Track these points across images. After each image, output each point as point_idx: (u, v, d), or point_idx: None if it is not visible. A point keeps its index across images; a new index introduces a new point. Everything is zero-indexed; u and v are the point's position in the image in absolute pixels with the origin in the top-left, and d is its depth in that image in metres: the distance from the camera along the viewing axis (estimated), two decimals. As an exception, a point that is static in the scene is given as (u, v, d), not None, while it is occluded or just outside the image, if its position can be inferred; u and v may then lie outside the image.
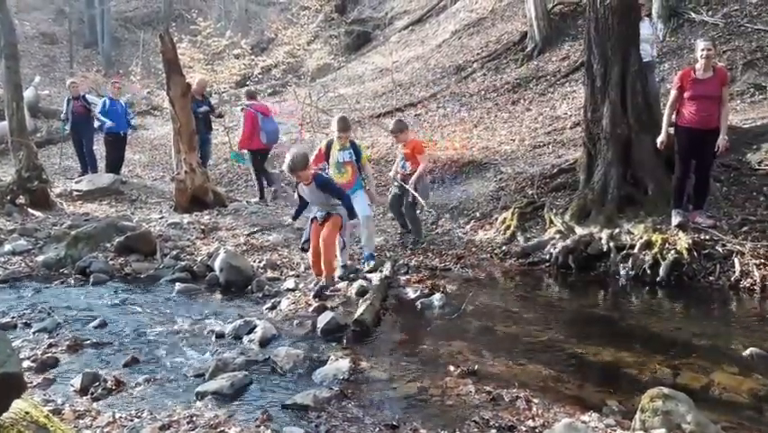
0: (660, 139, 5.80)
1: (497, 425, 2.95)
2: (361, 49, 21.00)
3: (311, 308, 4.75)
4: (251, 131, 8.90)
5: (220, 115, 11.04)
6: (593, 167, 6.55)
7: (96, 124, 10.56)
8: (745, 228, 5.58)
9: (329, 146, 5.77)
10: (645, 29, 7.44)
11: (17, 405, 2.18)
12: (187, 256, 6.28)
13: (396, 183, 6.71)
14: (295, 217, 5.55)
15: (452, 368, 3.62)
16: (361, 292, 4.99)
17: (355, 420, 3.02)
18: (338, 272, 5.39)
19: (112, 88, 11.01)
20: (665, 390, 2.81)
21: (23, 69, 12.03)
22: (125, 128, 10.76)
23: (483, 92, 12.57)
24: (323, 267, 5.07)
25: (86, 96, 11.16)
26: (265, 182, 9.31)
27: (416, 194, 6.34)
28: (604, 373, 3.65)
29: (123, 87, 11.53)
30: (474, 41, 15.56)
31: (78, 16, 26.07)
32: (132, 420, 3.00)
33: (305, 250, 5.27)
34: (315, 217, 5.13)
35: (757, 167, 6.47)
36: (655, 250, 5.47)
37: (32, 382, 3.39)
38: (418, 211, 6.91)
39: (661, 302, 5.04)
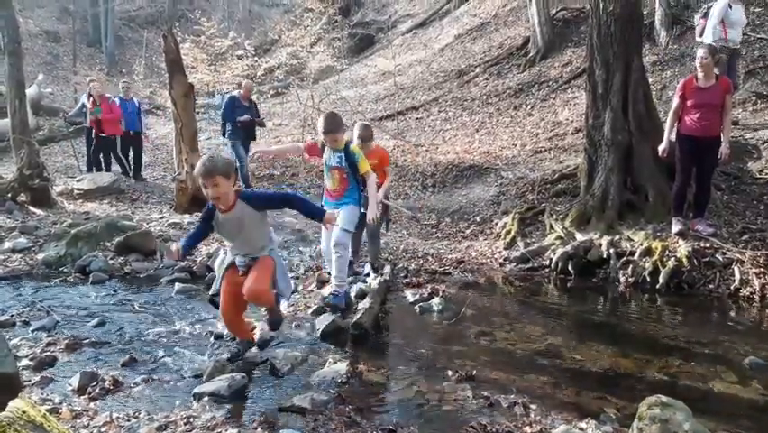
0: (662, 147, 5.80)
1: (494, 430, 2.95)
2: (364, 51, 21.04)
3: (310, 311, 4.75)
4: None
5: (262, 124, 10.35)
6: (594, 173, 6.56)
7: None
8: (745, 237, 5.59)
9: (323, 146, 4.77)
10: (742, 13, 7.46)
11: (14, 404, 2.17)
12: (187, 256, 6.28)
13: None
14: (184, 254, 3.70)
15: (450, 373, 3.62)
16: (361, 295, 5.00)
17: (352, 424, 3.02)
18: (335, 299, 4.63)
19: (121, 89, 11.11)
20: (663, 397, 2.81)
21: (27, 67, 12.06)
22: (134, 127, 10.81)
23: (485, 97, 12.59)
24: (268, 323, 3.85)
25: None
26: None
27: (401, 207, 6.08)
28: (602, 380, 3.64)
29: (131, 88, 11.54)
30: (477, 45, 15.59)
31: (83, 15, 26.11)
32: (129, 420, 2.99)
33: (214, 304, 3.78)
34: (234, 264, 3.61)
35: (758, 175, 6.48)
36: (655, 257, 5.47)
37: (29, 381, 3.39)
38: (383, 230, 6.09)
39: (660, 310, 5.03)
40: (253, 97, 10.29)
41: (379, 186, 5.22)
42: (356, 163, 4.62)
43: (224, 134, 9.69)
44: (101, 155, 10.67)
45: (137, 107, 10.90)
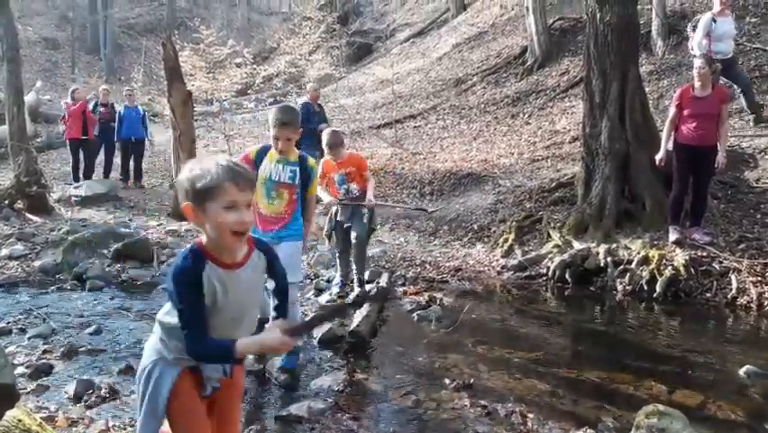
0: (659, 156, 5.82)
1: (491, 439, 2.94)
2: (363, 60, 21.12)
3: (306, 319, 4.73)
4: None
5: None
6: (591, 182, 6.58)
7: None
8: (742, 245, 5.60)
9: (263, 152, 3.70)
10: (729, 24, 7.55)
11: (10, 412, 2.17)
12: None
13: (338, 210, 5.20)
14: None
15: (447, 381, 3.61)
16: (359, 303, 4.99)
17: (350, 432, 3.01)
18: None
19: (126, 96, 11.21)
20: (660, 407, 2.81)
21: (25, 74, 12.09)
22: (137, 134, 10.84)
23: (483, 105, 12.63)
24: None
25: (114, 103, 11.32)
26: None
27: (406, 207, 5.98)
28: (599, 389, 3.64)
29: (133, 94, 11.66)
30: (475, 54, 15.66)
31: (81, 22, 26.21)
32: (125, 429, 2.98)
33: None
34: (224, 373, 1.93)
35: (754, 184, 6.50)
36: (652, 266, 5.48)
37: (25, 389, 3.37)
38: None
39: (657, 318, 5.03)
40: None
41: (363, 192, 5.04)
42: (311, 181, 3.69)
43: (297, 146, 9.33)
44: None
45: (141, 115, 10.93)
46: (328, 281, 5.70)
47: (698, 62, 5.67)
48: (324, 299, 5.20)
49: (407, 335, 4.63)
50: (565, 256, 5.91)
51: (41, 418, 2.73)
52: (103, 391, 3.37)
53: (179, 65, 8.82)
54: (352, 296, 5.17)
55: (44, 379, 3.58)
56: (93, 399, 3.29)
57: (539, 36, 13.20)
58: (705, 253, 5.53)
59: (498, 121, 11.68)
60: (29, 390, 3.38)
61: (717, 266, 5.39)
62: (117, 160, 11.31)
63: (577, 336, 4.75)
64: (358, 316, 4.55)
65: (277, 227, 3.58)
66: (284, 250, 3.36)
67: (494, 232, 7.08)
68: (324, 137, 5.00)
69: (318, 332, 4.35)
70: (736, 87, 7.55)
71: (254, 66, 15.75)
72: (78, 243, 6.34)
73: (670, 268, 5.40)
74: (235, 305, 1.81)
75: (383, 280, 5.63)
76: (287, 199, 3.61)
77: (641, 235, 5.98)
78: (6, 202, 8.37)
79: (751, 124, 7.69)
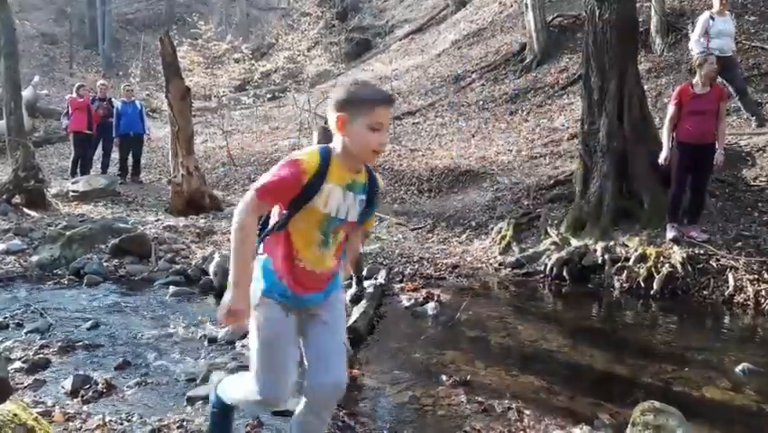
0: (663, 156, 5.78)
1: (488, 436, 2.95)
2: (361, 56, 21.06)
3: (305, 315, 4.74)
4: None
5: None
6: (589, 179, 6.58)
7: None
8: (739, 243, 5.60)
9: (324, 164, 2.01)
10: (728, 23, 7.60)
11: (5, 407, 2.17)
12: (182, 259, 6.27)
13: None
14: None
15: (444, 377, 3.62)
16: (355, 300, 4.99)
17: (346, 428, 3.01)
18: None
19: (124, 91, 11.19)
20: (657, 403, 2.82)
21: (23, 69, 12.06)
22: (135, 129, 10.84)
23: (481, 102, 12.62)
24: None
25: (112, 99, 11.31)
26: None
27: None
28: (596, 386, 3.65)
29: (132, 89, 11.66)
30: (474, 51, 15.62)
31: (80, 17, 26.08)
32: (122, 424, 2.98)
33: None
34: None
35: (752, 183, 6.51)
36: (650, 263, 5.49)
37: (22, 384, 3.37)
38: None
39: (654, 315, 5.04)
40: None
41: None
42: (374, 208, 2.26)
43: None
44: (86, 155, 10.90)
45: (139, 110, 10.92)
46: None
47: (711, 59, 5.70)
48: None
49: (405, 331, 4.64)
50: (563, 253, 5.92)
51: (37, 412, 2.72)
52: (100, 385, 3.37)
53: (177, 60, 8.80)
54: (349, 293, 5.17)
55: (41, 374, 3.58)
56: (90, 394, 3.30)
57: (538, 33, 13.18)
58: (702, 251, 5.54)
59: (497, 118, 11.67)
60: (25, 384, 3.38)
61: (714, 264, 5.40)
62: (115, 155, 11.29)
63: (574, 332, 4.75)
64: (355, 312, 4.55)
65: (325, 285, 2.22)
66: (335, 309, 2.29)
67: (492, 229, 7.08)
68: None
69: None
70: (731, 89, 7.57)
71: (252, 61, 15.70)
72: (76, 238, 6.34)
73: (667, 265, 5.41)
74: None
75: (381, 277, 5.64)
76: (339, 244, 2.22)
77: (638, 233, 5.98)
78: (4, 197, 8.37)
79: (753, 125, 7.70)
